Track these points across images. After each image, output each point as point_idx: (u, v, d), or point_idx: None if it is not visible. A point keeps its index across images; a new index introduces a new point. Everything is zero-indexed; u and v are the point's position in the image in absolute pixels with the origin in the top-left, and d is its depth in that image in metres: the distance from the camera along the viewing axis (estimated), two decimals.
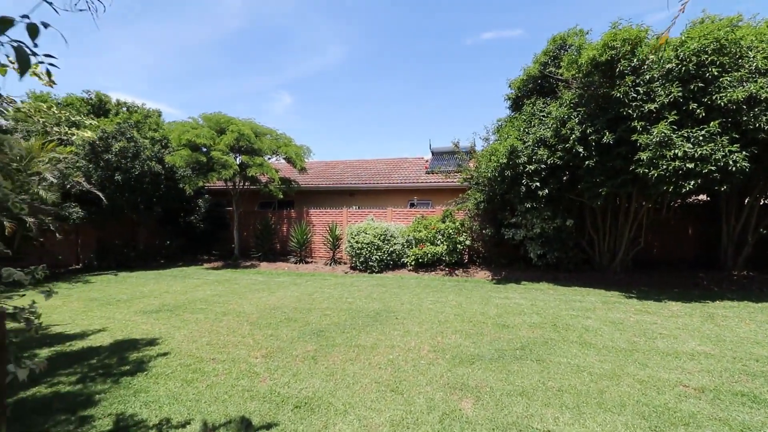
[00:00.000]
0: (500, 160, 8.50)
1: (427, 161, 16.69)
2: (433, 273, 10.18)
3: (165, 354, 4.71)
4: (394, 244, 10.72)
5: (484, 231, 10.31)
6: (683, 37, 6.82)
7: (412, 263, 10.43)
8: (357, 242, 10.61)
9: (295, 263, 12.38)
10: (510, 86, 10.54)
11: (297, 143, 13.63)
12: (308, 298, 7.57)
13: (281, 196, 12.74)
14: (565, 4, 50.62)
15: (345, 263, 12.01)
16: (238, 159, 12.82)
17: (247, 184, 13.22)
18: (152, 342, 5.19)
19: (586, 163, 7.66)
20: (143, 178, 11.75)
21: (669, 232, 10.63)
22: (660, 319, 5.99)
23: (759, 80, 6.03)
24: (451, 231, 10.04)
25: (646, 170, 6.68)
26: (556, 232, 8.96)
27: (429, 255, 10.11)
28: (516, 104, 10.40)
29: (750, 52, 6.30)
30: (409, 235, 10.76)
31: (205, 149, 12.15)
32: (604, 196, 7.95)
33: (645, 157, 6.66)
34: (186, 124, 12.55)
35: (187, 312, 6.64)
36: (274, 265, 12.18)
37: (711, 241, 10.01)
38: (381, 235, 10.58)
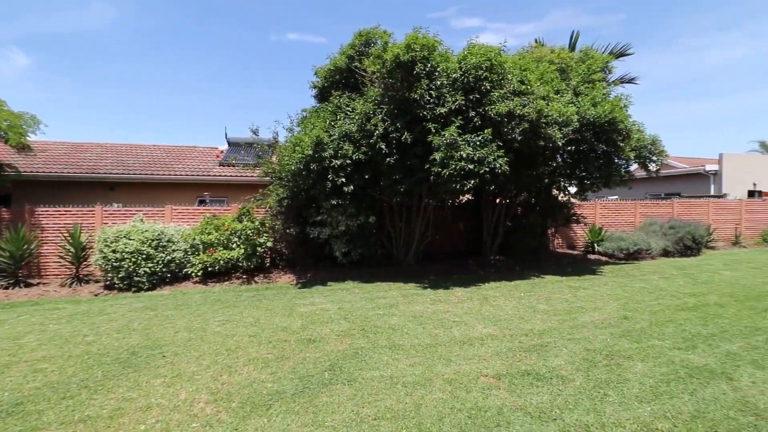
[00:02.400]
0: (306, 152, 7.71)
1: (222, 152, 14.42)
2: (227, 283, 8.46)
3: None
4: (174, 250, 8.41)
5: (287, 230, 9.30)
6: (465, 53, 7.68)
7: (199, 273, 8.40)
8: (115, 251, 7.79)
9: (6, 288, 8.21)
10: (316, 74, 9.92)
11: (13, 110, 9.23)
12: (12, 346, 4.77)
13: None
14: (362, 22, 55.40)
15: (98, 281, 8.75)
16: None
17: None
18: None
19: (388, 160, 7.73)
20: None
21: (447, 228, 12.29)
22: (450, 306, 6.40)
23: (515, 99, 7.30)
24: (249, 232, 8.58)
25: (439, 169, 7.15)
26: (360, 229, 8.85)
27: (222, 261, 8.35)
28: (322, 95, 9.87)
29: (509, 75, 7.60)
30: (195, 239, 8.65)
31: None
32: (402, 193, 8.24)
33: (438, 157, 7.12)
34: None
35: None
36: None
37: (475, 233, 12.11)
38: (153, 240, 8.09)
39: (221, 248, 8.50)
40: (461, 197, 11.97)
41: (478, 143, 7.13)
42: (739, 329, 4.97)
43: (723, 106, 69.04)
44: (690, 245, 11.93)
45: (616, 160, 9.30)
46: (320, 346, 4.55)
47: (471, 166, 6.94)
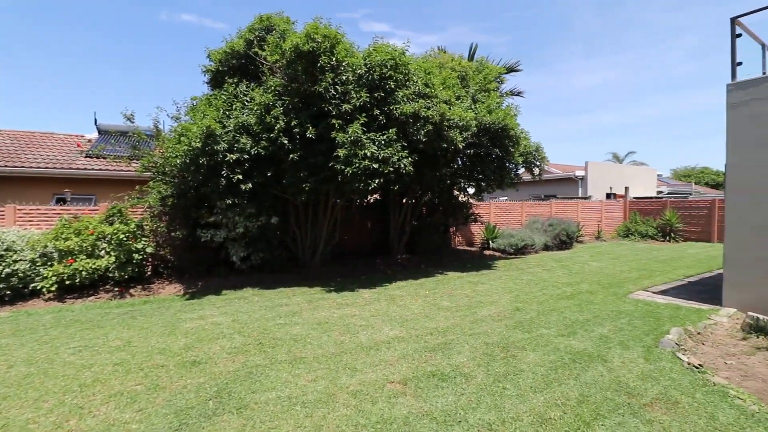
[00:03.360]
0: (193, 144, 6.78)
1: (89, 141, 12.11)
2: (92, 298, 7.01)
3: None
4: (16, 261, 6.68)
5: (173, 233, 8.09)
6: (371, 50, 7.54)
7: (53, 288, 6.79)
8: None
9: None
10: (210, 57, 8.85)
11: None
12: None
13: None
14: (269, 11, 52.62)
15: None
16: None
17: None
18: None
19: (291, 156, 7.22)
20: None
21: (355, 227, 12.14)
22: (357, 309, 6.18)
23: (420, 101, 7.41)
24: (123, 236, 7.23)
25: (343, 167, 6.89)
26: (261, 230, 8.13)
27: (84, 273, 6.87)
28: (217, 81, 8.84)
29: (414, 77, 7.69)
30: (47, 246, 6.98)
31: None
32: (307, 192, 7.79)
33: (342, 155, 6.86)
34: None
35: None
36: None
37: (383, 232, 12.18)
38: None
39: (84, 256, 7.02)
40: (369, 197, 11.92)
41: (383, 142, 7.05)
42: (607, 313, 5.68)
43: (588, 121, 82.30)
44: (565, 240, 13.69)
45: (508, 164, 10.16)
46: (206, 368, 3.91)
47: (376, 166, 6.84)
